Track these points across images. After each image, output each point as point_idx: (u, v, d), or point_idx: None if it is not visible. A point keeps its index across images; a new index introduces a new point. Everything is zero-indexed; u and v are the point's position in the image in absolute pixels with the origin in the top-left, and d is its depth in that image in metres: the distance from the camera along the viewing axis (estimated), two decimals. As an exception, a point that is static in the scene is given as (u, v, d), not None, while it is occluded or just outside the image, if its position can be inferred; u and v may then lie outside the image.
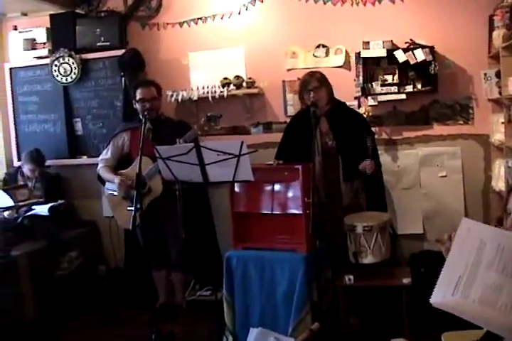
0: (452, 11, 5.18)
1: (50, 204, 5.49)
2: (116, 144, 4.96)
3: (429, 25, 5.25)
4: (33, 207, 5.47)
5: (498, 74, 4.91)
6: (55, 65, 6.02)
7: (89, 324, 5.13)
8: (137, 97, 4.79)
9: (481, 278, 1.60)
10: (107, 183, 4.93)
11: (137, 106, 4.80)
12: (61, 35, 6.05)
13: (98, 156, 5.12)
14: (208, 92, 5.63)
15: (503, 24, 4.59)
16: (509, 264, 1.59)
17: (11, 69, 6.35)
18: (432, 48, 5.09)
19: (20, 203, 5.53)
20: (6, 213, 5.39)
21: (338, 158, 4.49)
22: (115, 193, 4.80)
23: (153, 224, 4.67)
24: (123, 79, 5.80)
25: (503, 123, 4.70)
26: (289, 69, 5.62)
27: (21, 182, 5.85)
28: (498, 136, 4.88)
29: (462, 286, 1.62)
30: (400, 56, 5.11)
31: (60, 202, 5.62)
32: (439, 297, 1.67)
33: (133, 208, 4.04)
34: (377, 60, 5.28)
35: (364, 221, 4.15)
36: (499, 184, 4.82)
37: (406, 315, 4.07)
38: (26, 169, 5.80)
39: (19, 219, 5.39)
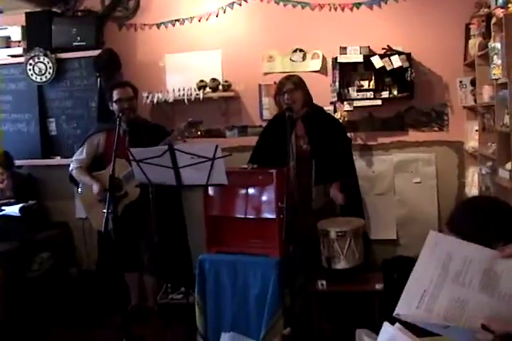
0: (429, 19, 5.22)
1: (21, 205, 5.43)
2: (91, 144, 4.88)
3: (406, 32, 5.29)
4: (3, 208, 5.41)
5: (473, 82, 4.95)
6: (30, 64, 5.94)
7: (59, 326, 5.05)
8: (114, 98, 4.73)
9: (447, 291, 1.60)
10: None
11: (114, 106, 4.74)
12: (36, 34, 5.97)
13: (72, 157, 5.03)
14: (183, 95, 5.60)
15: (479, 33, 4.63)
16: (475, 277, 1.58)
17: (-16, 67, 6.26)
18: (408, 55, 5.13)
19: (-10, 204, 5.48)
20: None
21: (311, 163, 4.48)
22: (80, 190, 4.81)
23: (126, 226, 4.62)
24: (98, 79, 5.74)
25: (477, 130, 4.75)
26: (265, 73, 5.62)
27: (-8, 183, 5.79)
28: (472, 144, 4.93)
29: (427, 300, 1.61)
30: (377, 62, 5.13)
31: (30, 202, 5.56)
32: (404, 310, 1.66)
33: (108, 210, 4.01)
34: (353, 65, 5.30)
35: (337, 226, 4.15)
36: (472, 191, 4.86)
37: (378, 320, 4.07)
38: None
39: (-11, 220, 5.33)
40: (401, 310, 1.65)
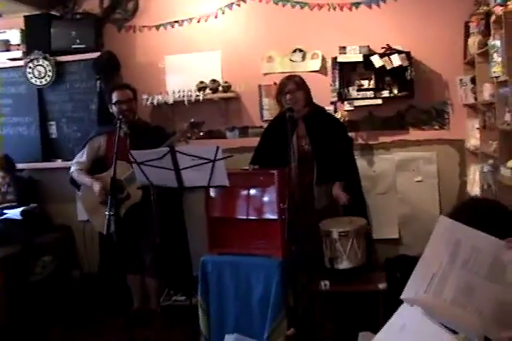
0: (429, 17, 5.22)
1: (22, 208, 5.43)
2: (92, 147, 4.87)
3: (405, 30, 5.28)
4: (5, 211, 5.40)
5: (473, 80, 4.95)
6: (30, 67, 5.94)
7: (62, 329, 5.06)
8: (113, 100, 4.73)
9: (455, 277, 1.60)
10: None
11: (114, 109, 4.73)
12: (36, 37, 5.98)
13: (72, 160, 5.03)
14: (183, 96, 5.60)
15: (478, 31, 4.62)
16: (483, 266, 1.58)
17: (-17, 71, 6.25)
18: (408, 54, 5.12)
19: (-7, 207, 5.48)
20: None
21: (313, 162, 4.48)
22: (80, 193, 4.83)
23: (128, 228, 4.61)
24: (98, 82, 5.75)
25: (478, 128, 4.74)
26: (265, 74, 5.62)
27: (-7, 186, 5.79)
28: (473, 142, 4.92)
29: (435, 284, 1.61)
30: (377, 61, 5.13)
31: (32, 205, 5.56)
32: (411, 293, 1.66)
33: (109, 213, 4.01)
34: (353, 65, 5.30)
35: (340, 226, 4.14)
36: (474, 189, 4.85)
37: (382, 320, 4.07)
38: None
39: (-9, 224, 5.33)
40: (409, 293, 1.65)
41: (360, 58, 5.20)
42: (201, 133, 4.56)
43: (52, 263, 5.56)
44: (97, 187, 4.60)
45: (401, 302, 1.73)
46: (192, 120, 4.50)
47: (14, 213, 5.40)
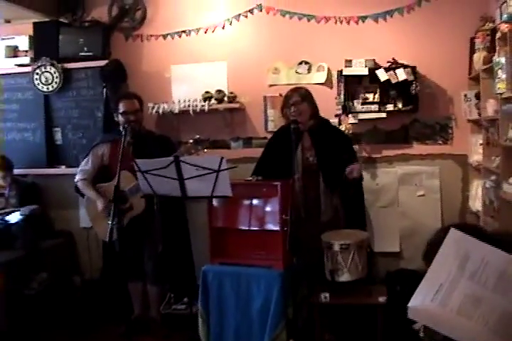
0: (435, 32, 5.24)
1: (22, 209, 5.49)
2: (96, 155, 4.88)
3: (411, 45, 5.31)
4: (6, 218, 5.44)
5: (477, 96, 4.96)
6: (37, 74, 5.97)
7: (62, 335, 5.05)
8: (120, 110, 4.74)
9: (462, 288, 1.61)
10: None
11: (120, 118, 4.75)
12: (44, 44, 6.01)
13: (77, 166, 5.05)
14: (189, 106, 5.61)
15: (483, 47, 4.65)
16: (491, 278, 1.60)
17: (-9, 76, 6.28)
18: (413, 68, 5.14)
19: (-3, 211, 5.51)
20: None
21: (318, 175, 4.47)
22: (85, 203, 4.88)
23: (131, 236, 4.63)
24: (104, 89, 5.77)
25: (481, 144, 4.75)
26: (270, 85, 5.64)
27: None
28: (476, 157, 4.93)
29: (442, 294, 1.63)
30: (382, 75, 5.15)
31: (33, 206, 5.57)
32: (418, 301, 1.67)
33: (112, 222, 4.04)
34: (358, 78, 5.32)
35: (341, 239, 4.14)
36: (476, 204, 4.86)
37: (381, 333, 4.07)
38: None
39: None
40: (416, 300, 1.67)
41: (365, 72, 5.23)
42: (205, 150, 4.58)
43: (49, 280, 5.50)
44: (100, 205, 4.64)
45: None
46: (197, 136, 4.50)
47: (15, 216, 5.46)
